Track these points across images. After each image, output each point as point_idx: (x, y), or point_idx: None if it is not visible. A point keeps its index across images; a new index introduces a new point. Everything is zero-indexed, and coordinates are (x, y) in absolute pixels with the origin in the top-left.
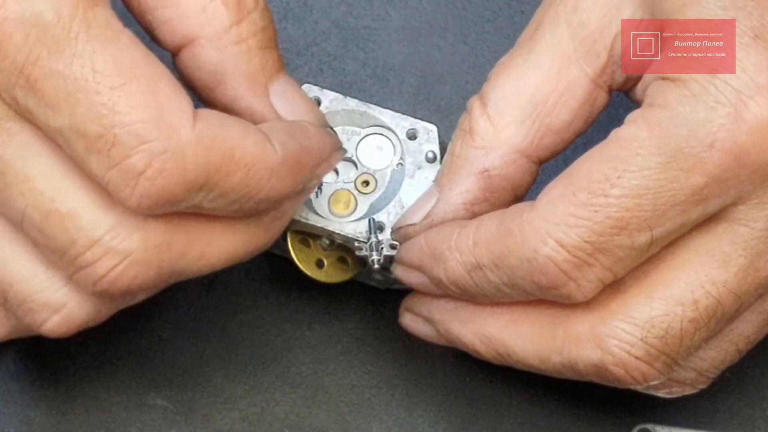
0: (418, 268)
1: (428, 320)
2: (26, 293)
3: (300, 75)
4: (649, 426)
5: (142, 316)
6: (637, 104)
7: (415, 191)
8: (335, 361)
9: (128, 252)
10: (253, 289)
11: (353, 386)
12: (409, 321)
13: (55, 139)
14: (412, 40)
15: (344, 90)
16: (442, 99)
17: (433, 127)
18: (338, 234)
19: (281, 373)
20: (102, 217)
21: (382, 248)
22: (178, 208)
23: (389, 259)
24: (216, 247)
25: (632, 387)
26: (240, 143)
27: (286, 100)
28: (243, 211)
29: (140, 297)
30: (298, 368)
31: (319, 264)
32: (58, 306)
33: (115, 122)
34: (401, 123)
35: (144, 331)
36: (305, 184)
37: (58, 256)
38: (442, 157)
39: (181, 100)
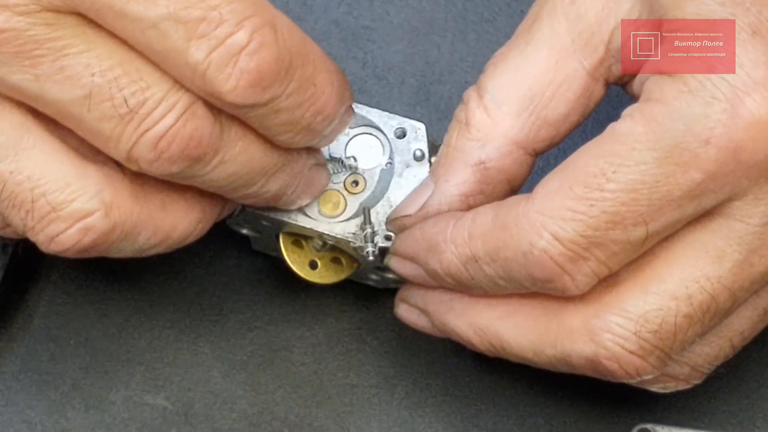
0: (413, 260)
1: (423, 311)
2: (55, 202)
3: None
4: (649, 426)
5: (142, 316)
6: (633, 98)
7: (403, 190)
8: (335, 361)
9: (193, 108)
10: (252, 289)
11: (354, 386)
12: (404, 312)
13: (140, 42)
14: (412, 40)
15: None
16: (441, 99)
17: (421, 125)
18: (328, 235)
19: (281, 373)
20: (164, 78)
21: (376, 239)
22: (260, 98)
23: (383, 253)
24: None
25: (625, 381)
26: (310, 41)
27: None
28: (300, 126)
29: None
30: (298, 368)
31: (313, 265)
32: (84, 214)
33: (216, 2)
34: (389, 122)
35: (144, 331)
36: (333, 124)
37: (125, 124)
38: (430, 155)
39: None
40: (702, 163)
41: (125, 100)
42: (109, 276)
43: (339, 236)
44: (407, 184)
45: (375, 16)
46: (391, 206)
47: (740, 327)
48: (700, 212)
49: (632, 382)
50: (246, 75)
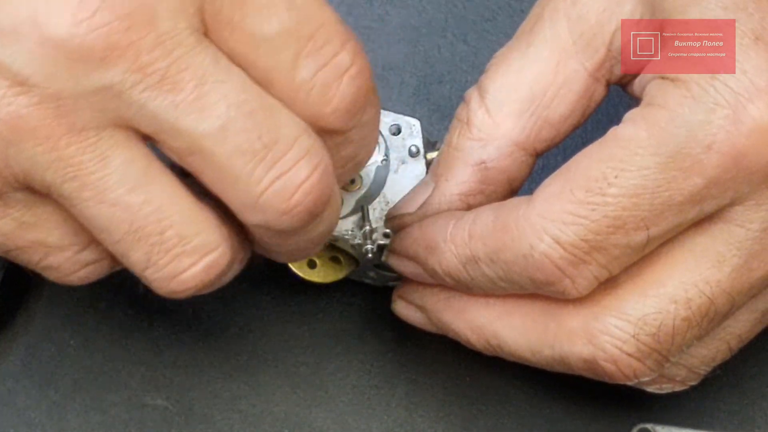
0: (413, 259)
1: (420, 308)
2: (182, 236)
3: None
4: (649, 426)
5: (142, 316)
6: (633, 99)
7: (399, 186)
8: (335, 361)
9: (321, 153)
10: (253, 289)
11: (353, 386)
12: (401, 308)
13: (250, 56)
14: (412, 40)
15: None
16: (441, 99)
17: (415, 122)
18: None
19: (281, 373)
20: (294, 116)
21: (375, 237)
22: (350, 123)
23: (381, 250)
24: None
25: (623, 383)
26: None
27: None
28: (353, 163)
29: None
30: (298, 368)
31: (312, 264)
32: (211, 248)
33: (322, 21)
34: (384, 119)
35: (144, 331)
36: None
37: (258, 162)
38: (426, 151)
39: None
40: (704, 169)
41: (260, 137)
42: (109, 277)
43: (336, 233)
44: (403, 180)
45: (375, 16)
46: (388, 203)
47: (738, 330)
48: (702, 217)
49: (629, 383)
50: (347, 98)
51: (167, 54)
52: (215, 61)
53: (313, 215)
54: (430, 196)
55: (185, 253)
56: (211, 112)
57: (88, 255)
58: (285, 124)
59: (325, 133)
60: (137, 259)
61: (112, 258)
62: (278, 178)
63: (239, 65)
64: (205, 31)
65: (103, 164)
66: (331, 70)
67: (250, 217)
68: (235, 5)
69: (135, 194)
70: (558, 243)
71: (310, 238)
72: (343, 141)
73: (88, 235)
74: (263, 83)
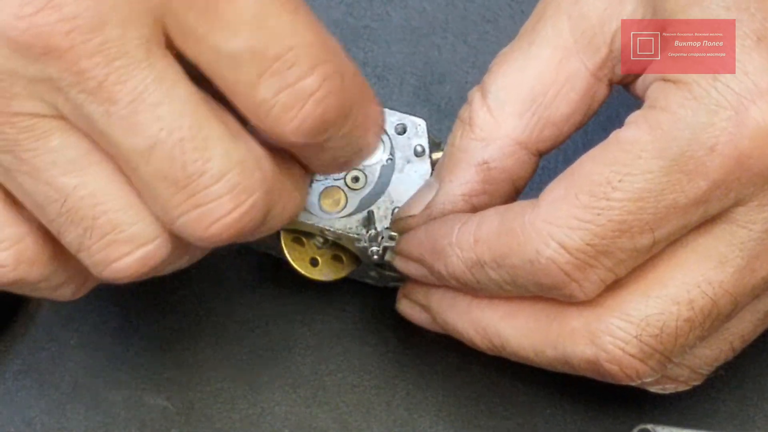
0: (418, 261)
1: (425, 308)
2: (116, 223)
3: None
4: (649, 426)
5: (142, 316)
6: (636, 99)
7: (404, 186)
8: (335, 361)
9: (251, 191)
10: (253, 289)
11: (353, 386)
12: (406, 308)
13: (211, 68)
14: (412, 40)
15: None
16: (441, 99)
17: (421, 121)
18: (329, 230)
19: (281, 373)
20: (233, 150)
21: (381, 239)
22: (317, 140)
23: (386, 251)
24: (296, 197)
25: (625, 383)
26: (366, 84)
27: None
28: (339, 161)
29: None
30: (298, 368)
31: (314, 263)
32: (146, 240)
33: (293, 43)
34: (389, 118)
35: (144, 331)
36: None
37: (178, 190)
38: (431, 151)
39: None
40: (708, 171)
41: (184, 167)
42: None
43: (340, 231)
44: (408, 179)
45: (375, 16)
46: (392, 202)
47: (741, 330)
48: (706, 218)
49: (632, 384)
50: (310, 120)
51: (108, 63)
52: (159, 80)
53: (232, 240)
54: (434, 197)
55: (119, 242)
56: (141, 131)
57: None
58: (217, 157)
59: (291, 144)
60: (70, 240)
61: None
62: (195, 208)
63: (205, 74)
64: (167, 41)
65: (37, 145)
66: (294, 92)
67: (173, 231)
68: (200, 18)
69: (68, 177)
70: (564, 248)
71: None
72: (317, 149)
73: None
74: (227, 96)
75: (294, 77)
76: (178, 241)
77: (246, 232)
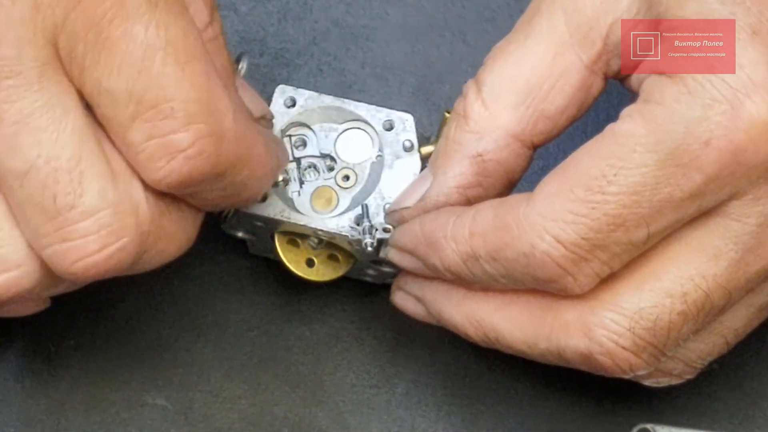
0: (413, 253)
1: (419, 300)
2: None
3: (300, 75)
4: (649, 426)
5: (142, 316)
6: (632, 93)
7: (394, 181)
8: (335, 361)
9: (121, 234)
10: (252, 289)
11: (353, 386)
12: (400, 299)
13: (93, 99)
14: (412, 40)
15: (344, 90)
16: (441, 98)
17: (408, 117)
18: (322, 230)
19: (281, 373)
20: (109, 190)
21: (375, 231)
22: (185, 192)
23: (381, 245)
24: (180, 238)
25: (618, 376)
26: (256, 141)
27: (247, 95)
28: (220, 202)
29: (80, 285)
30: (298, 368)
31: (310, 263)
32: (10, 266)
33: (173, 96)
34: (377, 115)
35: (144, 331)
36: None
37: (47, 220)
38: (420, 146)
39: (224, 89)
40: (702, 165)
41: (54, 198)
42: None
43: (333, 231)
44: (398, 175)
45: (375, 16)
46: (384, 198)
47: (734, 324)
48: (700, 212)
49: (625, 377)
50: (175, 175)
51: (1, 85)
52: (48, 106)
53: (97, 278)
54: (429, 189)
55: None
56: (20, 154)
57: None
58: (91, 193)
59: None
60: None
61: None
62: (62, 242)
63: (88, 102)
64: (62, 64)
65: None
66: (164, 144)
67: (38, 253)
68: (88, 51)
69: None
70: (559, 242)
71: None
72: (191, 196)
73: None
74: (104, 130)
75: (166, 129)
76: (48, 271)
77: (114, 272)
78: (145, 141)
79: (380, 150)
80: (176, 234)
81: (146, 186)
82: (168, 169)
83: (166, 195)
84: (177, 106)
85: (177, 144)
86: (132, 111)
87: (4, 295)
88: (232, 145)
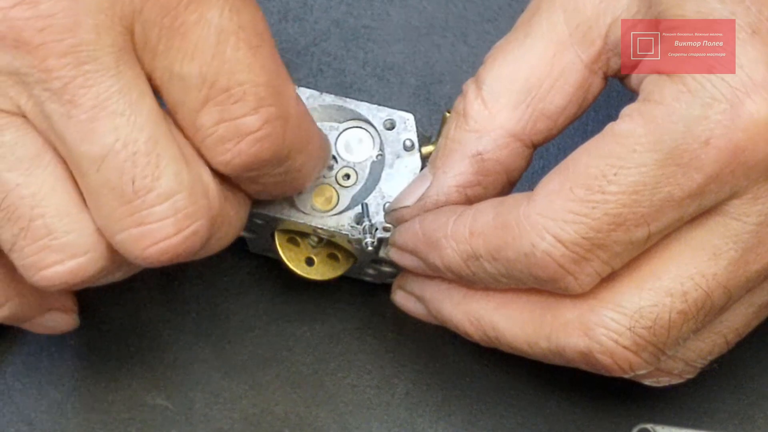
0: (413, 253)
1: (420, 299)
2: (51, 229)
3: (300, 75)
4: (649, 426)
5: (142, 316)
6: (632, 92)
7: (395, 181)
8: (335, 361)
9: (195, 218)
10: (252, 289)
11: (353, 386)
12: (401, 299)
13: (162, 85)
14: (412, 40)
15: (344, 90)
16: (441, 99)
17: (409, 116)
18: (322, 229)
19: (281, 373)
20: (184, 173)
21: (375, 231)
22: (247, 176)
23: (380, 243)
24: (237, 223)
25: (618, 375)
26: (314, 126)
27: None
28: (275, 189)
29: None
30: (298, 368)
31: (309, 262)
32: (79, 251)
33: (245, 80)
34: (378, 114)
35: (144, 331)
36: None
37: (123, 204)
38: (420, 145)
39: (288, 73)
40: (702, 164)
41: (132, 182)
42: None
43: (333, 229)
44: (398, 174)
45: (375, 16)
46: (384, 197)
47: (735, 323)
48: (701, 211)
49: (625, 376)
50: (243, 156)
51: (77, 65)
52: (124, 91)
53: (169, 263)
54: (428, 188)
55: (51, 248)
56: (97, 139)
57: None
58: (167, 176)
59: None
60: (5, 238)
61: None
62: (138, 226)
63: (156, 88)
64: (135, 50)
65: None
66: (234, 127)
67: (109, 240)
68: (162, 37)
69: (13, 173)
70: (560, 241)
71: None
72: (250, 181)
73: None
74: (171, 115)
75: (237, 113)
76: (113, 256)
77: (183, 257)
78: (216, 124)
79: (381, 149)
80: (235, 219)
81: (212, 170)
82: (236, 151)
83: (226, 180)
84: (248, 89)
85: (247, 127)
86: (204, 95)
87: (71, 281)
88: (296, 128)
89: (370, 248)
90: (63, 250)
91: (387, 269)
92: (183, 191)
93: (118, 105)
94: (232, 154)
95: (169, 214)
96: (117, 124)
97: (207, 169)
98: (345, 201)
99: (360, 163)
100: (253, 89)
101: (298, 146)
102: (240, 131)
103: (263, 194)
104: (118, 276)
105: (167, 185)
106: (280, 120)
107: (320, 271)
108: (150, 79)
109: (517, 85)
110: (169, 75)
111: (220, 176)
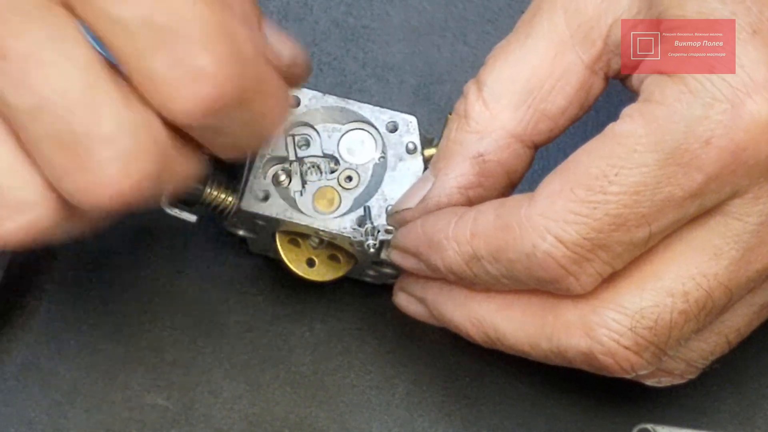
0: (415, 255)
1: (421, 300)
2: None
3: None
4: (649, 426)
5: (142, 316)
6: (632, 93)
7: (397, 183)
8: (335, 361)
9: (141, 159)
10: (252, 289)
11: (353, 386)
12: (403, 300)
13: (100, 33)
14: (412, 40)
15: (344, 90)
16: (441, 99)
17: (412, 118)
18: (324, 231)
19: (282, 374)
20: (126, 116)
21: (377, 233)
22: (207, 124)
23: (382, 245)
24: (184, 171)
25: (620, 376)
26: (274, 73)
27: (276, 38)
28: (237, 142)
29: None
30: (298, 368)
31: (310, 263)
32: (27, 206)
33: (190, 18)
34: (381, 116)
35: (144, 330)
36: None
37: (65, 152)
38: (423, 148)
39: (241, 21)
40: (703, 164)
41: (71, 130)
42: (109, 276)
43: (335, 232)
44: (401, 177)
45: (375, 16)
46: (386, 200)
47: (736, 323)
48: (702, 211)
49: (627, 376)
50: (201, 100)
51: (1, 16)
52: (54, 38)
53: (120, 207)
54: (430, 190)
55: (1, 206)
56: (30, 90)
57: None
58: (108, 120)
59: (183, 125)
60: None
61: None
62: (82, 171)
63: (100, 41)
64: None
65: None
66: (185, 69)
67: (57, 189)
68: None
69: None
70: (561, 242)
71: None
72: (211, 132)
73: None
74: (120, 65)
75: (188, 54)
76: (65, 207)
77: (133, 198)
78: (168, 70)
79: (383, 151)
80: (185, 163)
81: (163, 120)
82: (190, 94)
83: (179, 134)
84: (200, 29)
85: (198, 67)
86: (149, 40)
87: (25, 237)
88: (254, 69)
89: (372, 250)
90: (11, 206)
91: (388, 271)
92: (126, 133)
93: (49, 54)
94: (186, 99)
95: (113, 156)
96: (49, 73)
97: (156, 116)
98: (347, 203)
99: (362, 165)
100: (205, 28)
101: (259, 88)
102: (192, 73)
103: (230, 149)
104: (79, 227)
105: (108, 129)
106: (234, 58)
107: (321, 273)
108: (94, 33)
109: (518, 86)
110: (110, 23)
111: (179, 131)
